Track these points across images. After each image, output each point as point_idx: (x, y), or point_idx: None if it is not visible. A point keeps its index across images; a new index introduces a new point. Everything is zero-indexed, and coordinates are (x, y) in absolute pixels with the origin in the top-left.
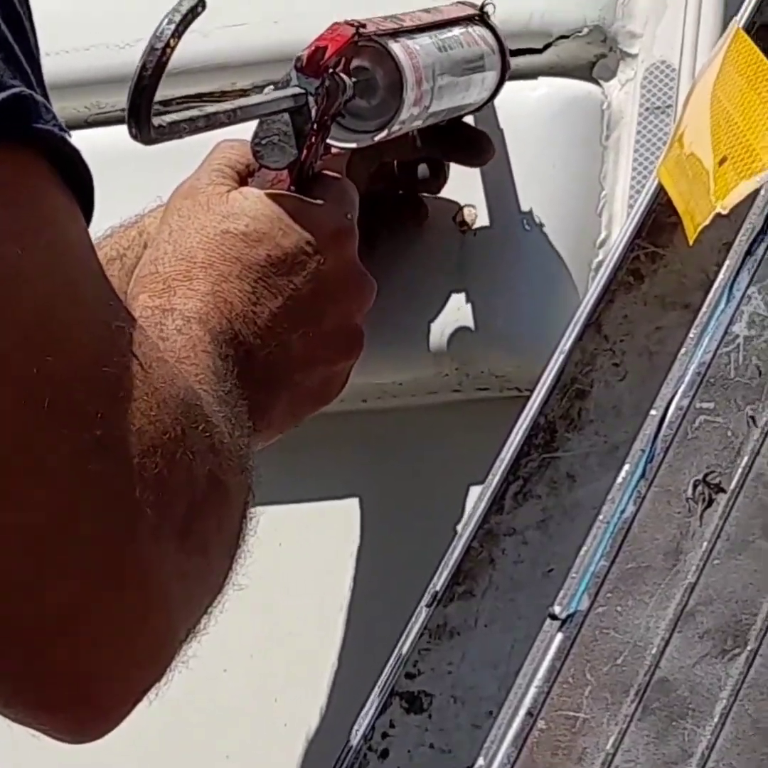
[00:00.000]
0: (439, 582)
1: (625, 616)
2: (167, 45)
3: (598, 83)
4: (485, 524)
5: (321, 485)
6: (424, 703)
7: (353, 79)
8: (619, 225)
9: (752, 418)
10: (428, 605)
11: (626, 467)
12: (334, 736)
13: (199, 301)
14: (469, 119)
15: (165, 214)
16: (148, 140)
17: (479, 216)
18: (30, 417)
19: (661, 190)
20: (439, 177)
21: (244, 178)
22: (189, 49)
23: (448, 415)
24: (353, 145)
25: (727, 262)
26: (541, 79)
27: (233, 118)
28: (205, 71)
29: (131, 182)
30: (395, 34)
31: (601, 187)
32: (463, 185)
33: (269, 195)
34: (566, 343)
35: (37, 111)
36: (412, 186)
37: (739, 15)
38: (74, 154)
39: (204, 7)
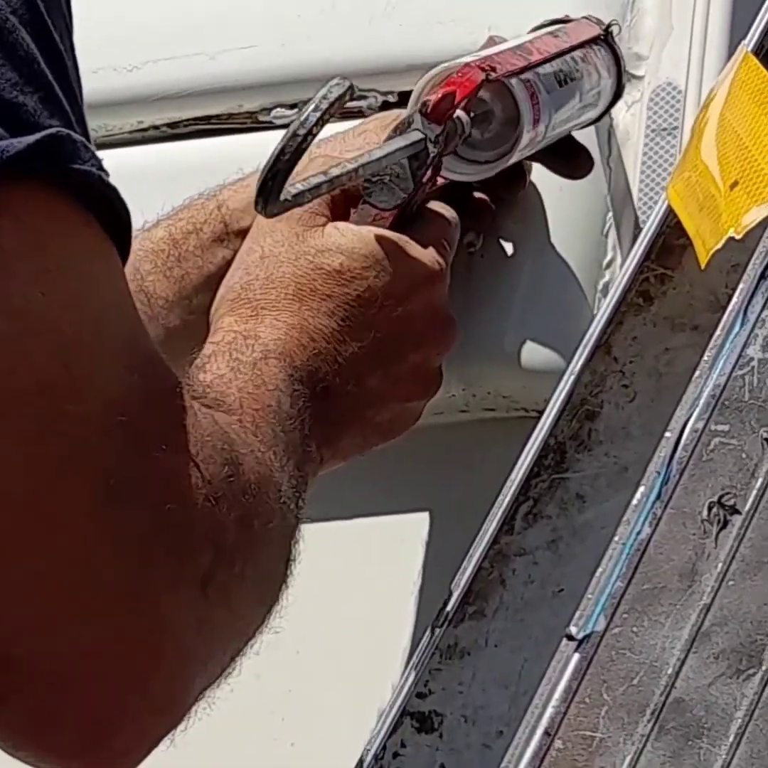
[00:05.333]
0: (449, 602)
1: (641, 636)
2: (309, 132)
3: None
4: (496, 545)
5: (326, 506)
6: (435, 722)
7: (471, 114)
8: (626, 246)
9: (766, 439)
10: (439, 625)
11: (641, 489)
12: (344, 756)
13: (285, 334)
14: None
15: (255, 231)
16: (273, 214)
17: (486, 237)
18: (44, 463)
19: (670, 212)
20: (524, 181)
21: (340, 203)
22: (196, 71)
23: (454, 436)
24: (468, 179)
25: (741, 285)
26: None
27: (355, 177)
28: (212, 93)
29: (139, 203)
30: (522, 71)
31: (608, 209)
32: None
33: (368, 234)
34: (576, 364)
35: (74, 151)
36: (492, 188)
37: (748, 38)
38: (112, 192)
39: (353, 94)
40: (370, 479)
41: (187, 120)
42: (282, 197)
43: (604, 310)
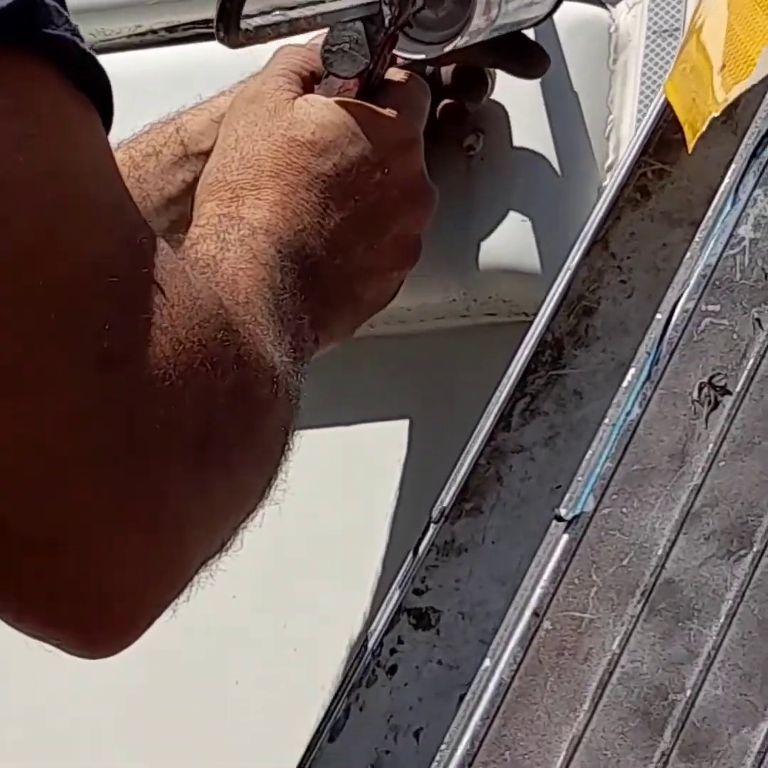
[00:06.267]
0: (446, 498)
1: (631, 517)
2: None
3: (605, 6)
4: (492, 441)
5: (327, 410)
6: (432, 619)
7: None
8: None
9: (758, 320)
10: (436, 521)
11: (632, 370)
12: (343, 656)
13: (268, 212)
14: None
15: (229, 117)
16: (234, 44)
17: (486, 140)
18: (32, 326)
19: (668, 107)
20: (486, 84)
21: (308, 84)
22: None
23: (455, 341)
24: (422, 57)
25: (733, 166)
26: None
27: (313, 24)
28: None
29: (137, 107)
30: None
31: (609, 111)
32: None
33: (336, 103)
34: (573, 259)
35: (47, 15)
36: (457, 93)
37: None
38: (88, 58)
39: None
40: (371, 384)
41: (185, 24)
42: (243, 27)
43: (601, 205)
